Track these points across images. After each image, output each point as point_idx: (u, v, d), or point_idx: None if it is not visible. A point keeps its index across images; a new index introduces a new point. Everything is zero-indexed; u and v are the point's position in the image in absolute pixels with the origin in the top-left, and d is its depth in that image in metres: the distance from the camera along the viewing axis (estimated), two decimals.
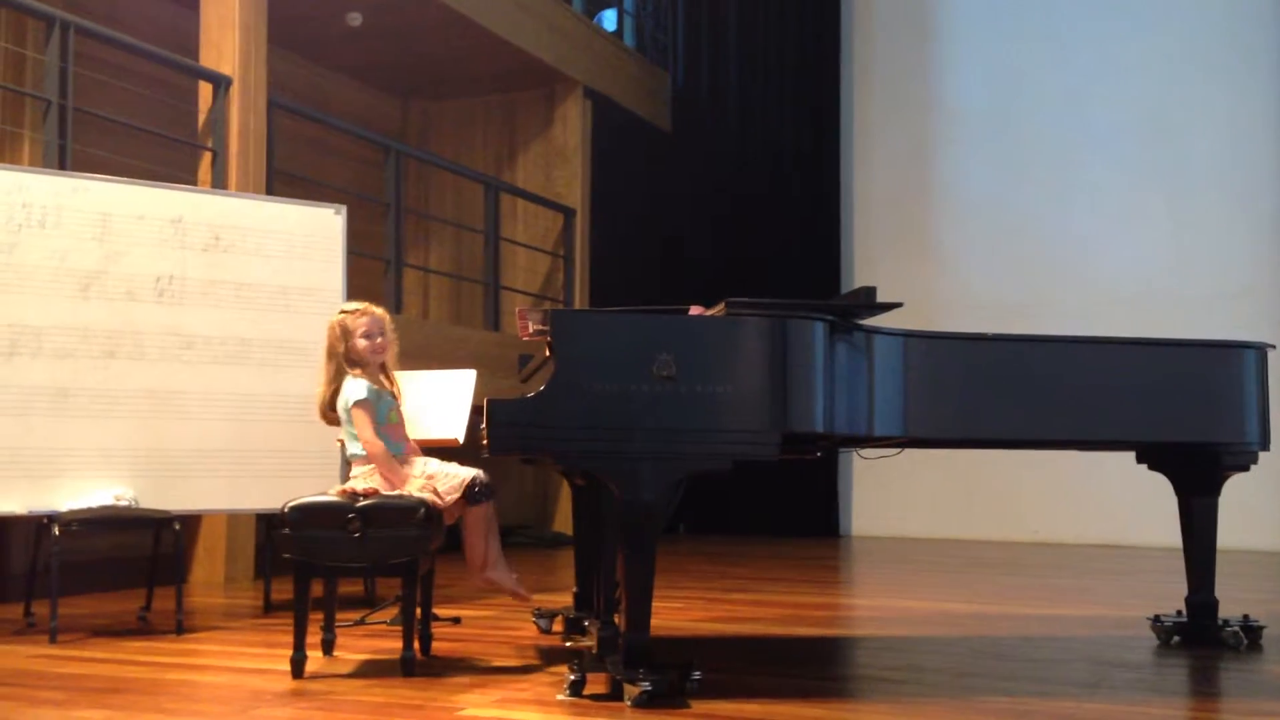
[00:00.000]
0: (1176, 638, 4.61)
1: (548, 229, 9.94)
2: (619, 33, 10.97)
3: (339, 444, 5.40)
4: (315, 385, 4.30)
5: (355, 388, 4.13)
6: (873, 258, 10.56)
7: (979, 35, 10.47)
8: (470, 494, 4.09)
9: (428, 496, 4.01)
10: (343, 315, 4.22)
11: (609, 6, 11.06)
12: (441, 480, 4.10)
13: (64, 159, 5.69)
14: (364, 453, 4.16)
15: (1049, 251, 9.99)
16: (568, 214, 9.79)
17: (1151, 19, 9.87)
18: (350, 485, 4.08)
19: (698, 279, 9.77)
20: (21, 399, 4.87)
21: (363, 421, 4.10)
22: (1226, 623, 4.55)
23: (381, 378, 4.27)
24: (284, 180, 7.22)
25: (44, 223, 4.98)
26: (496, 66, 9.48)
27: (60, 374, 4.96)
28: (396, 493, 4.01)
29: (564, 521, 9.54)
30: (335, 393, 4.19)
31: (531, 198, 9.72)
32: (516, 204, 9.84)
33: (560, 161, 9.96)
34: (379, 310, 4.27)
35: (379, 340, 4.19)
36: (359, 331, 4.17)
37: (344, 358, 4.18)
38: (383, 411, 4.18)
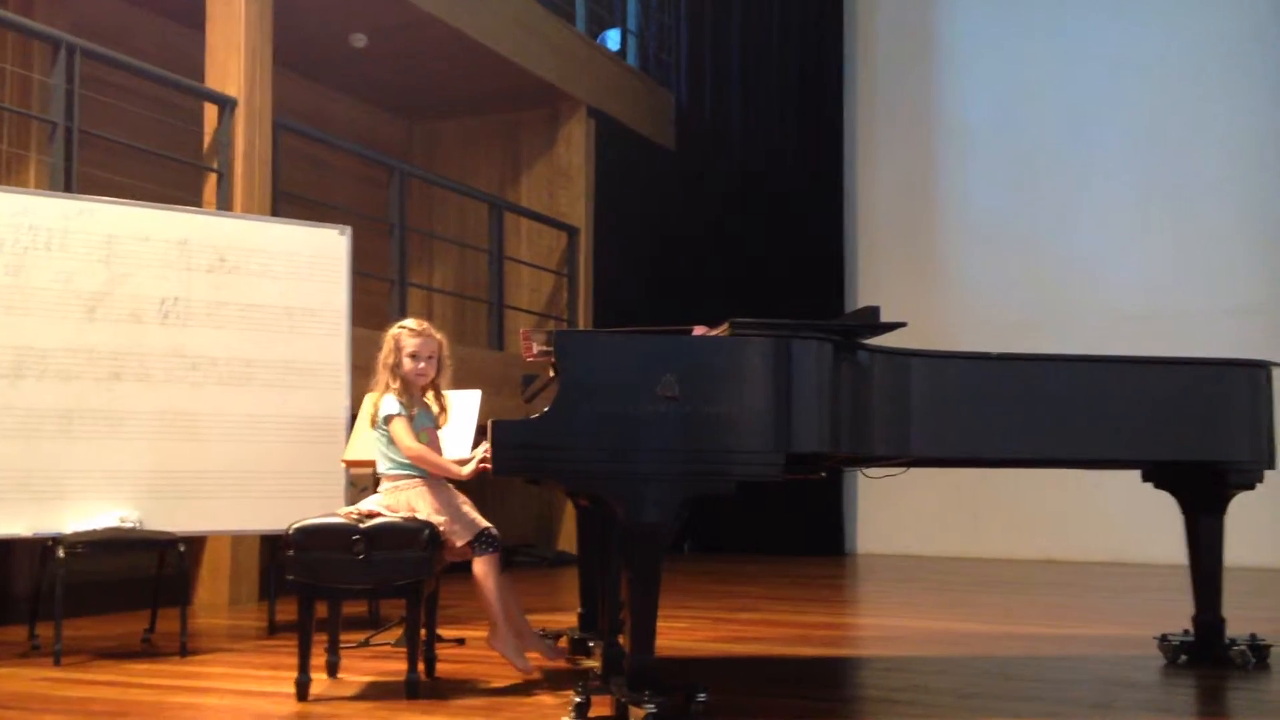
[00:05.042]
0: (1184, 657, 4.60)
1: (551, 248, 9.96)
2: (622, 53, 11.02)
3: (344, 465, 5.43)
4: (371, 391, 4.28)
5: (387, 403, 4.10)
6: (877, 276, 10.55)
7: (982, 53, 10.48)
8: (477, 540, 4.08)
9: (441, 521, 4.01)
10: (400, 330, 4.17)
11: (612, 27, 11.11)
12: (463, 516, 4.11)
13: (70, 181, 5.71)
14: (393, 470, 4.12)
15: (1054, 269, 9.97)
16: (571, 233, 9.81)
17: (1156, 36, 9.88)
18: (358, 507, 4.08)
19: (701, 298, 9.75)
20: (27, 421, 4.88)
21: (400, 431, 4.06)
22: (1234, 642, 4.53)
23: (425, 399, 4.22)
24: (289, 201, 7.24)
25: (50, 245, 4.99)
26: (500, 86, 9.51)
27: (66, 396, 4.97)
28: (402, 515, 4.01)
29: (568, 540, 9.52)
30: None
31: (535, 216, 9.74)
32: (520, 223, 9.87)
33: (564, 180, 9.98)
34: (438, 335, 4.23)
35: (422, 365, 4.16)
36: (407, 350, 4.14)
37: (391, 370, 4.14)
38: (415, 427, 4.13)
